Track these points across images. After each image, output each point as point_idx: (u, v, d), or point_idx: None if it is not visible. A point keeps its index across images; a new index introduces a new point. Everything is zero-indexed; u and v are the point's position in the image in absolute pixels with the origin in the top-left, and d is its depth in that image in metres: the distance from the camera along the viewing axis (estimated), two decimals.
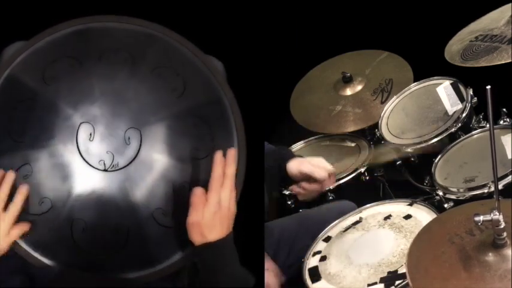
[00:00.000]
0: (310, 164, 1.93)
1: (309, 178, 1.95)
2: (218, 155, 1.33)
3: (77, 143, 1.30)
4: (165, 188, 1.33)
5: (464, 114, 2.08)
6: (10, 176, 1.27)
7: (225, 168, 1.33)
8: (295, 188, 1.98)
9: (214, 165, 1.32)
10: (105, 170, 1.31)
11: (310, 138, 2.51)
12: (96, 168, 1.30)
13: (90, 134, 1.31)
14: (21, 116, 1.30)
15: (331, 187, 2.04)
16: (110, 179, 1.31)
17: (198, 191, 1.31)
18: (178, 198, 1.33)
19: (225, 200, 1.32)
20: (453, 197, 1.87)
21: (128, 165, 1.31)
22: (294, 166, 1.94)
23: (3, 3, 1.67)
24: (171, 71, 1.37)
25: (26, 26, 1.46)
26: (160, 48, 1.39)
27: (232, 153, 1.34)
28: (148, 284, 1.35)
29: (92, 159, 1.30)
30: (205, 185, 1.33)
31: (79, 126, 1.31)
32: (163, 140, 1.34)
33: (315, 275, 1.68)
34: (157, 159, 1.33)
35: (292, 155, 1.99)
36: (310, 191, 1.98)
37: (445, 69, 2.14)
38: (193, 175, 1.36)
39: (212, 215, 1.30)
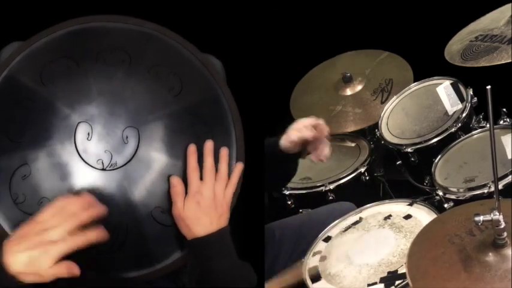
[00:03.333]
0: (295, 130, 1.78)
1: (304, 143, 1.80)
2: (191, 148, 1.32)
3: (75, 142, 1.30)
4: (163, 187, 1.33)
5: (464, 114, 2.08)
6: (100, 210, 1.22)
7: (204, 160, 1.33)
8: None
9: (188, 156, 1.32)
10: (103, 169, 1.30)
11: None
12: (94, 168, 1.30)
13: (88, 134, 1.31)
14: (19, 116, 1.30)
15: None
16: (109, 178, 1.30)
17: (174, 181, 1.31)
18: None
19: (207, 191, 1.31)
20: (453, 197, 1.87)
21: (126, 164, 1.31)
22: (283, 141, 1.78)
23: (0, 4, 1.67)
24: (168, 70, 1.37)
25: (23, 27, 1.46)
26: (157, 47, 1.39)
27: (207, 145, 1.34)
28: (148, 283, 1.35)
29: (90, 159, 1.30)
30: None
31: (77, 125, 1.30)
32: (161, 139, 1.33)
33: (315, 275, 1.68)
34: (155, 158, 1.33)
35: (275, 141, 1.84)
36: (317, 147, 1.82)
37: (445, 69, 2.14)
38: None
39: (194, 205, 1.30)
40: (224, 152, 1.36)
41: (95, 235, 1.19)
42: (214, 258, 1.30)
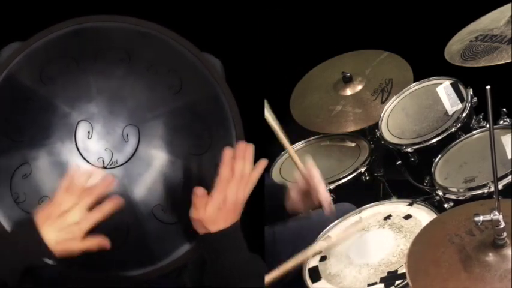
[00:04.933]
0: (295, 189, 1.81)
1: (304, 193, 1.82)
2: (227, 153, 1.32)
3: (75, 141, 1.30)
4: (164, 185, 1.33)
5: (464, 114, 2.07)
6: (110, 180, 1.26)
7: (235, 163, 1.32)
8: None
9: (222, 164, 1.31)
10: (104, 168, 1.31)
11: (310, 138, 2.51)
12: (95, 166, 1.30)
13: (88, 132, 1.31)
14: (19, 115, 1.31)
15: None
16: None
17: (199, 192, 1.30)
18: (177, 195, 1.33)
19: (231, 196, 1.31)
20: (453, 197, 1.87)
21: (126, 162, 1.31)
22: (290, 203, 1.83)
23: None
24: (167, 68, 1.38)
25: (22, 27, 1.46)
26: (156, 46, 1.40)
27: (240, 147, 1.33)
28: (149, 282, 1.35)
29: (90, 157, 1.31)
30: (204, 181, 1.34)
31: (77, 124, 1.31)
32: (161, 137, 1.34)
33: (315, 275, 1.68)
34: (155, 156, 1.33)
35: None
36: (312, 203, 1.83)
37: (445, 69, 2.14)
38: (191, 171, 1.36)
39: (216, 211, 1.30)
40: (249, 150, 1.34)
41: (110, 207, 1.24)
42: (226, 252, 1.31)
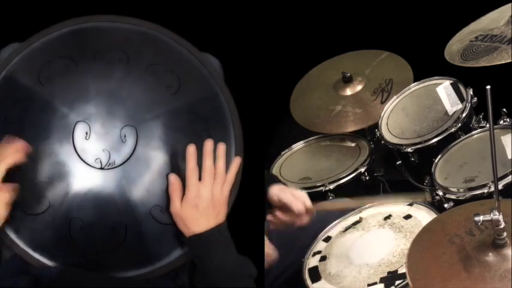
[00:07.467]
0: (291, 194, 1.75)
1: (286, 208, 1.75)
2: (190, 149, 1.33)
3: (73, 141, 1.30)
4: (162, 185, 1.33)
5: (464, 114, 2.07)
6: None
7: (204, 160, 1.34)
8: (268, 216, 1.79)
9: (187, 157, 1.33)
10: (101, 168, 1.31)
11: (310, 138, 2.51)
12: (92, 167, 1.30)
13: (86, 133, 1.31)
14: (17, 116, 1.31)
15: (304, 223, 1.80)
16: (107, 177, 1.30)
17: (171, 178, 1.32)
18: None
19: (206, 192, 1.32)
20: (453, 197, 1.86)
21: (124, 163, 1.31)
22: (275, 192, 1.77)
23: None
24: (165, 68, 1.38)
25: (21, 28, 1.46)
26: (155, 46, 1.40)
27: (207, 146, 1.34)
28: (148, 282, 1.35)
29: (88, 158, 1.30)
30: None
31: (75, 125, 1.31)
32: (159, 137, 1.34)
33: (315, 275, 1.68)
34: (153, 157, 1.33)
35: (275, 180, 1.87)
36: (282, 221, 1.77)
37: (445, 69, 2.14)
38: None
39: (192, 208, 1.31)
40: (221, 148, 1.36)
41: None
42: (213, 254, 1.31)
